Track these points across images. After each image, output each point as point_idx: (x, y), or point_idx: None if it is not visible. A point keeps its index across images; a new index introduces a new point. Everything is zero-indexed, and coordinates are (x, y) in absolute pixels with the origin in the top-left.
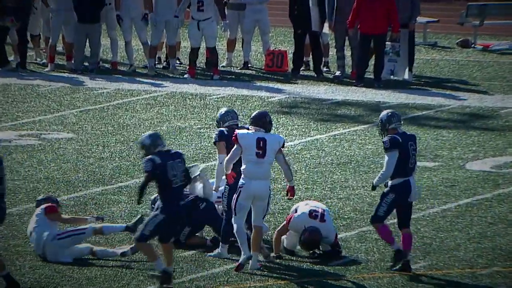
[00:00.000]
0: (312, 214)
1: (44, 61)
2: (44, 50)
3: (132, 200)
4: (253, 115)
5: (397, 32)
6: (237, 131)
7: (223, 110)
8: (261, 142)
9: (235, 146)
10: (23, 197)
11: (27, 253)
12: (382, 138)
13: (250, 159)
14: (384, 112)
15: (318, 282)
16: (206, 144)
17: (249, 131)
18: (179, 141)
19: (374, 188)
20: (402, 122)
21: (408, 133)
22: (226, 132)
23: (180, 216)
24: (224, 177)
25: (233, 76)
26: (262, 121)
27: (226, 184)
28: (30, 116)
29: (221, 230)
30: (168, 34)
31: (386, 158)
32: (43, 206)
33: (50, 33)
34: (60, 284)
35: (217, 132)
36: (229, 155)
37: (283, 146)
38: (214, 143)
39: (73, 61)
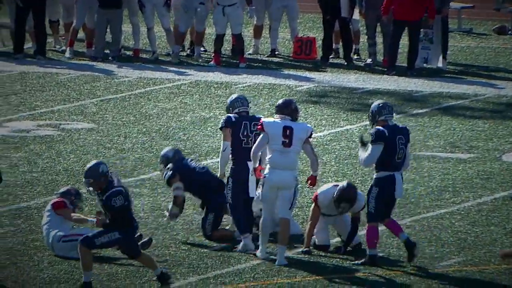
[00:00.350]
0: (336, 185)
1: (64, 48)
2: (63, 37)
3: (155, 193)
4: (278, 103)
5: (433, 18)
6: (263, 119)
7: (233, 96)
8: (288, 131)
9: (261, 135)
10: (41, 189)
11: (45, 248)
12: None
13: (276, 148)
14: (376, 103)
15: (348, 279)
16: None
17: (276, 119)
18: (203, 131)
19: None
20: (394, 114)
21: (400, 125)
22: (233, 119)
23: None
24: (225, 163)
25: (260, 64)
26: (289, 109)
27: (230, 176)
28: (49, 105)
29: (234, 224)
30: (196, 20)
31: (369, 149)
32: (51, 201)
33: (69, 19)
34: (80, 280)
35: (224, 118)
36: (256, 145)
37: (310, 136)
38: (220, 128)
39: (93, 48)
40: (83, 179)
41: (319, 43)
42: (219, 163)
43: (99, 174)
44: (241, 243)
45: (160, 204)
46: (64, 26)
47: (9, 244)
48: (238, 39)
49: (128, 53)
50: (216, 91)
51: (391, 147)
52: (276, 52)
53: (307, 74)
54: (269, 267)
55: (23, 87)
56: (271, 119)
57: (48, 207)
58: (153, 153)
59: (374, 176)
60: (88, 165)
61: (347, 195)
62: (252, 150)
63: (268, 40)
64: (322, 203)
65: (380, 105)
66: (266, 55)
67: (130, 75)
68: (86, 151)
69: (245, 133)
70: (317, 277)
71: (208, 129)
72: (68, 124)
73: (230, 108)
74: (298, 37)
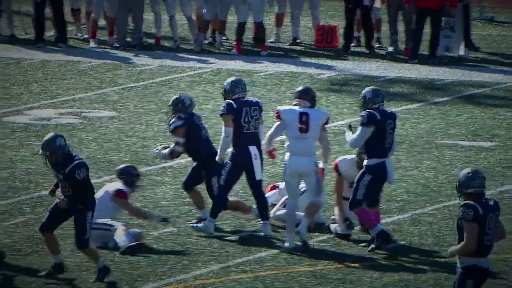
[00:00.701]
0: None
1: (85, 36)
2: (85, 25)
3: (177, 182)
4: (299, 89)
5: (455, 7)
6: (279, 107)
7: (231, 79)
8: (304, 117)
9: (277, 122)
10: None
11: (68, 236)
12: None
13: (293, 135)
14: (369, 89)
15: (370, 267)
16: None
17: (291, 106)
18: None
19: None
20: (384, 102)
21: (389, 111)
22: (235, 105)
23: None
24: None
25: (281, 52)
26: (309, 95)
27: (229, 160)
28: (70, 93)
29: (212, 203)
30: (220, 9)
31: (358, 131)
32: (116, 188)
33: (90, 7)
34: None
35: (224, 104)
36: (271, 131)
37: (327, 122)
38: (221, 115)
39: (115, 37)
40: (40, 152)
41: (340, 31)
42: (220, 149)
43: (56, 147)
44: (205, 223)
45: (182, 192)
46: (86, 14)
47: (31, 232)
48: (259, 27)
49: (149, 41)
50: None
51: (381, 132)
52: (298, 41)
53: (329, 62)
54: (290, 255)
55: (45, 75)
56: (287, 107)
57: (108, 190)
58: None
59: (365, 164)
60: (45, 138)
61: None
62: (268, 135)
63: (290, 28)
64: (343, 167)
65: (375, 92)
66: (287, 44)
67: (152, 63)
68: (108, 139)
69: (246, 119)
70: (338, 265)
71: None
72: (90, 112)
73: (230, 94)
74: (320, 25)
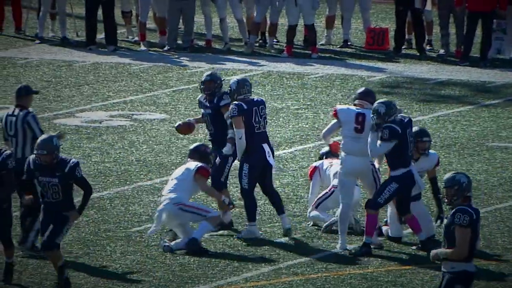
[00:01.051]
0: None
1: (136, 38)
2: (136, 28)
3: (228, 183)
4: (361, 90)
5: (505, 9)
6: (337, 106)
7: (237, 79)
8: (360, 117)
9: (334, 121)
10: (114, 180)
11: (118, 238)
12: (375, 128)
13: (348, 134)
14: (380, 104)
15: (421, 269)
16: (304, 125)
17: (350, 106)
18: (275, 122)
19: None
20: (400, 111)
21: (405, 119)
22: (245, 106)
23: None
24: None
25: (332, 55)
26: (370, 96)
27: (245, 162)
28: (122, 96)
29: (246, 209)
30: (271, 11)
31: (380, 145)
32: (197, 165)
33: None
34: (152, 270)
35: (235, 106)
36: (327, 129)
37: None
38: (232, 117)
39: (167, 36)
40: (37, 152)
41: (391, 33)
42: (237, 151)
43: (53, 147)
44: (246, 229)
45: (232, 194)
46: (136, 17)
47: (82, 234)
48: (310, 30)
49: (200, 43)
50: (288, 82)
51: (404, 143)
52: (349, 43)
53: (380, 64)
54: (341, 258)
55: (96, 78)
56: (344, 106)
57: (191, 166)
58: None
59: (392, 174)
60: (41, 138)
61: (425, 130)
62: (323, 133)
63: (341, 30)
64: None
65: (388, 105)
66: (338, 46)
67: (203, 66)
68: (159, 142)
69: (256, 119)
70: (389, 268)
71: (280, 119)
72: (141, 114)
73: (235, 94)
74: (371, 28)
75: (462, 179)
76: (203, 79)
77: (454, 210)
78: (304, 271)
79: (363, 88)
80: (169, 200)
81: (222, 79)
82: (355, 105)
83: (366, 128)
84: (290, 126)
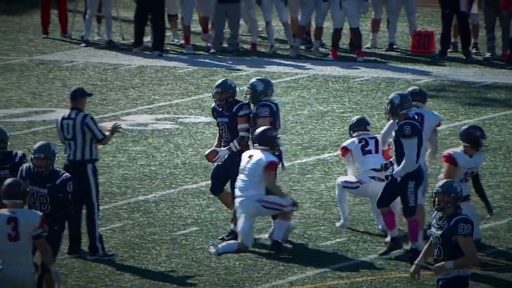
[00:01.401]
0: None
1: (182, 42)
2: (181, 31)
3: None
4: (415, 91)
5: None
6: None
7: (262, 80)
8: (419, 117)
9: (390, 121)
10: (159, 183)
11: (163, 242)
12: (391, 121)
13: None
14: (395, 95)
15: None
16: None
17: None
18: (321, 125)
19: (393, 179)
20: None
21: (415, 115)
22: (274, 108)
23: None
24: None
25: (378, 58)
26: (420, 95)
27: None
28: (167, 99)
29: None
30: (317, 15)
31: (407, 145)
32: (267, 160)
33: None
34: (198, 273)
35: (267, 107)
36: (385, 130)
37: (439, 125)
38: (262, 117)
39: (210, 33)
40: (34, 155)
41: (437, 37)
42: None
43: (50, 153)
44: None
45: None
46: (182, 20)
47: (127, 237)
48: (355, 33)
49: (245, 46)
50: (333, 85)
51: (420, 139)
52: (394, 46)
53: (425, 68)
54: (387, 261)
55: (142, 81)
56: None
57: (260, 162)
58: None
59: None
60: (40, 143)
61: (481, 130)
62: (382, 135)
63: (386, 34)
64: (459, 157)
65: (403, 96)
66: (384, 49)
67: (248, 69)
68: (204, 145)
69: (278, 123)
70: None
71: (326, 123)
72: (186, 117)
73: (262, 95)
74: (417, 31)
75: (458, 188)
76: (214, 90)
77: (455, 220)
78: (350, 274)
79: (411, 88)
80: (248, 198)
81: (271, 83)
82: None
83: (425, 129)
84: (336, 129)
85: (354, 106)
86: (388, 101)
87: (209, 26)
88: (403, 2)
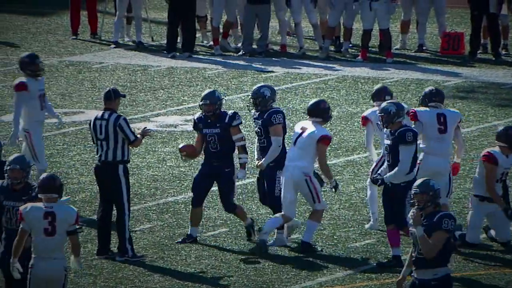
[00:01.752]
0: None
1: (211, 43)
2: (211, 32)
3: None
4: (433, 92)
5: None
6: (415, 109)
7: (267, 86)
8: (442, 118)
9: (415, 124)
10: (188, 184)
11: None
12: (386, 129)
13: (433, 135)
14: (390, 104)
15: (497, 275)
16: None
17: (426, 108)
18: (350, 126)
19: (382, 183)
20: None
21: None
22: (284, 114)
23: None
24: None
25: (407, 59)
26: (440, 95)
27: (278, 170)
28: (197, 100)
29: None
30: (346, 16)
31: (404, 151)
32: (321, 134)
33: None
34: (227, 274)
35: (280, 114)
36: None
37: (460, 121)
38: (277, 124)
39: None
40: (9, 167)
41: (467, 38)
42: (269, 157)
43: (26, 165)
44: (277, 238)
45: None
46: (211, 21)
47: (157, 238)
48: (385, 34)
49: (275, 48)
50: (363, 86)
51: (416, 147)
52: (424, 47)
53: (455, 69)
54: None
55: (171, 82)
56: (422, 108)
57: (312, 135)
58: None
59: (406, 180)
60: (16, 155)
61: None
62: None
63: (416, 35)
64: (499, 156)
65: (398, 106)
66: (413, 51)
67: (277, 70)
68: None
69: (285, 128)
70: (463, 274)
71: (355, 124)
72: None
73: (270, 101)
74: (446, 32)
75: (435, 185)
76: (202, 102)
77: (440, 215)
78: (379, 275)
79: (433, 88)
80: (298, 168)
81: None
82: (429, 106)
83: (448, 128)
84: (365, 131)
85: None
86: (382, 111)
87: (231, 30)
88: (432, 3)
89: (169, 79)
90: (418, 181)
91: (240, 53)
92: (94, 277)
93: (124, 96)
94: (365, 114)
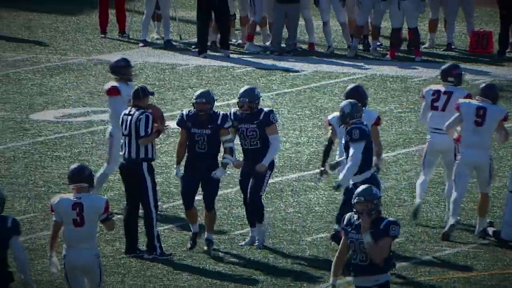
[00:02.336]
0: None
1: (240, 41)
2: (239, 31)
3: (330, 187)
4: (483, 85)
5: None
6: (460, 100)
7: (255, 88)
8: (481, 111)
9: (456, 114)
10: None
11: (221, 241)
12: (342, 127)
13: (468, 127)
14: (347, 103)
15: None
16: (407, 128)
17: (471, 100)
18: None
19: (338, 188)
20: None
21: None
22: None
23: None
24: None
25: (436, 58)
26: (492, 91)
27: (270, 170)
28: (225, 99)
29: (257, 212)
30: (374, 14)
31: (353, 151)
32: (374, 115)
33: (244, 12)
34: (255, 273)
35: (274, 113)
36: (450, 122)
37: (505, 119)
38: (274, 123)
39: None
40: (196, 100)
41: (495, 37)
42: (271, 156)
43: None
44: (262, 233)
45: (335, 198)
46: (240, 20)
47: (185, 237)
48: (414, 33)
49: (303, 47)
50: (391, 85)
51: (370, 145)
52: (452, 46)
53: (484, 68)
54: (445, 261)
55: (199, 81)
56: (466, 100)
57: (369, 118)
58: None
59: (360, 179)
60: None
61: None
62: (446, 125)
63: (444, 34)
64: None
65: (353, 106)
66: (442, 49)
67: (306, 69)
68: None
69: None
70: (492, 272)
71: (383, 123)
72: None
73: (258, 101)
74: (475, 31)
75: (378, 193)
76: (197, 100)
77: (386, 222)
78: (408, 274)
79: (486, 84)
80: None
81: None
82: (476, 100)
83: (486, 122)
84: (393, 129)
85: (411, 106)
86: (340, 110)
87: (260, 28)
88: (461, 2)
89: (197, 78)
90: (360, 189)
91: (269, 51)
92: (123, 276)
93: (152, 94)
94: (424, 90)
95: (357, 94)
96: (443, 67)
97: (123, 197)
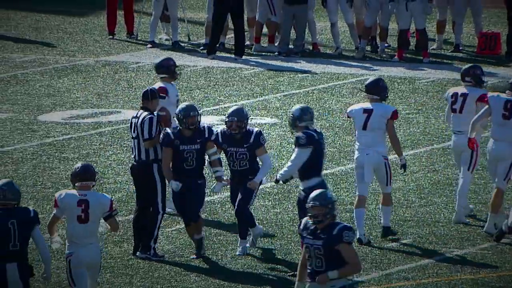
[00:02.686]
0: None
1: (247, 43)
2: (247, 32)
3: (338, 188)
4: (511, 80)
5: None
6: (488, 93)
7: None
8: (509, 104)
9: (485, 107)
10: None
11: (229, 242)
12: (292, 133)
13: (496, 121)
14: (297, 107)
15: None
16: (415, 130)
17: (500, 94)
18: None
19: (277, 182)
20: (314, 120)
21: (319, 130)
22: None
23: None
24: None
25: (443, 59)
26: None
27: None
28: (233, 100)
29: (245, 223)
30: (382, 16)
31: (296, 153)
32: (392, 109)
33: (252, 14)
34: (263, 274)
35: (262, 133)
36: (478, 115)
37: None
38: (264, 144)
39: (276, 44)
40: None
41: (503, 38)
42: (261, 173)
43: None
44: (252, 239)
45: (344, 199)
46: (248, 21)
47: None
48: (421, 34)
49: (311, 48)
50: (399, 86)
51: (320, 151)
52: (460, 48)
53: (491, 69)
54: (452, 263)
55: (207, 82)
56: (495, 93)
57: (384, 114)
58: (336, 148)
59: (308, 185)
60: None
61: None
62: (474, 119)
63: (452, 35)
64: None
65: (302, 110)
66: (450, 51)
67: (314, 70)
68: (269, 146)
69: None
70: (500, 274)
71: None
72: (252, 119)
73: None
74: (483, 32)
75: (333, 197)
76: (186, 113)
77: (339, 228)
78: (415, 275)
79: None
80: (378, 153)
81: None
82: (506, 94)
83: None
84: (401, 131)
85: (419, 108)
86: (290, 114)
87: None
88: (468, 3)
89: (205, 79)
90: (315, 194)
91: (276, 53)
92: (130, 277)
93: (163, 98)
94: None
95: (377, 88)
96: (464, 67)
97: (131, 198)
